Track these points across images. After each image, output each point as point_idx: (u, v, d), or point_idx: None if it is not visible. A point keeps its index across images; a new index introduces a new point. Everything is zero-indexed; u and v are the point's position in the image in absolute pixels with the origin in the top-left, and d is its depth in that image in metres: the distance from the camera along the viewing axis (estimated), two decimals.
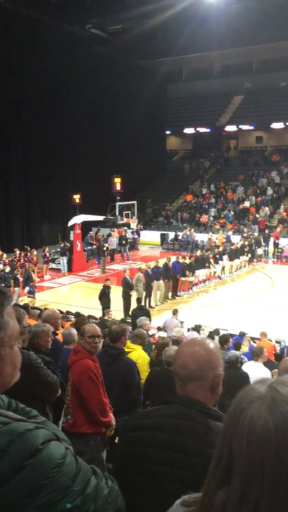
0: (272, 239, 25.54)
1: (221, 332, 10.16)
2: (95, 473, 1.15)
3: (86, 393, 4.03)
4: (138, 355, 5.46)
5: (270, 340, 10.82)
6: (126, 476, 1.58)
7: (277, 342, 11.05)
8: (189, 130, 38.02)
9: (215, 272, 20.51)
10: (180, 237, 28.19)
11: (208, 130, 36.90)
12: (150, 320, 10.67)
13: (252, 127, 35.71)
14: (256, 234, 25.25)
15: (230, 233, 26.28)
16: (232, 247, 21.68)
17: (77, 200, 23.74)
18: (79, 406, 4.07)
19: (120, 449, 1.72)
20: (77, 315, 11.18)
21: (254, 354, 7.25)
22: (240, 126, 36.02)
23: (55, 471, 1.03)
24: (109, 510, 1.12)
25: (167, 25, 27.17)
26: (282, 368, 3.02)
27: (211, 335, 10.36)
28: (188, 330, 11.62)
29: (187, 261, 18.82)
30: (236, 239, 23.94)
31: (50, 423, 1.28)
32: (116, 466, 1.72)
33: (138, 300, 14.19)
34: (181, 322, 12.03)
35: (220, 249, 21.83)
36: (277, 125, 34.14)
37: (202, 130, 37.29)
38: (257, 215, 28.92)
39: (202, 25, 28.21)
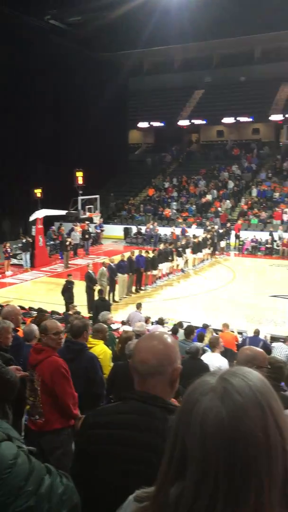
0: (233, 232, 25.98)
1: (185, 325, 10.24)
2: (49, 471, 1.12)
3: (61, 390, 4.02)
4: (100, 349, 5.44)
5: (232, 331, 11.00)
6: (85, 473, 1.56)
7: (239, 333, 11.25)
8: (150, 124, 38.05)
9: (178, 265, 20.67)
10: (143, 231, 28.26)
11: (169, 124, 37.00)
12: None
13: (214, 122, 36.01)
14: (216, 227, 25.61)
15: (183, 226, 26.70)
16: (195, 240, 21.89)
17: (39, 195, 23.39)
18: (51, 404, 4.04)
19: (79, 447, 1.70)
20: (40, 310, 11.04)
21: (211, 345, 7.37)
22: (200, 120, 36.28)
23: (6, 472, 1.01)
24: (64, 507, 1.10)
25: (128, 18, 27.01)
26: (239, 358, 3.06)
27: (175, 328, 10.44)
28: (152, 323, 11.67)
29: (150, 255, 18.87)
30: (199, 232, 24.18)
31: (2, 422, 1.24)
32: (75, 463, 1.69)
33: (100, 291, 14.20)
34: (148, 318, 12.05)
35: (183, 242, 22.01)
36: (238, 119, 34.58)
37: (163, 124, 37.38)
38: (219, 209, 29.30)
39: (163, 18, 28.20)
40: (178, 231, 26.14)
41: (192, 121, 36.49)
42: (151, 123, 37.80)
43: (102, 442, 1.57)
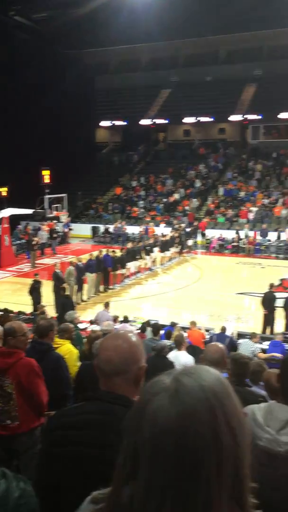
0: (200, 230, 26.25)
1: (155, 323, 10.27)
2: (4, 476, 1.10)
3: (36, 389, 4.02)
4: (66, 349, 5.40)
5: (200, 329, 11.10)
6: (50, 476, 1.54)
7: (206, 330, 11.36)
8: (117, 123, 37.99)
9: (146, 264, 20.72)
10: (111, 230, 28.21)
11: (137, 123, 37.02)
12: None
13: (181, 121, 36.24)
14: (183, 225, 25.81)
15: (146, 225, 26.92)
16: (163, 239, 21.99)
17: (4, 193, 23.00)
18: (26, 405, 4.01)
19: (43, 449, 1.67)
20: (4, 311, 10.86)
21: (176, 343, 7.42)
22: (167, 120, 36.45)
23: None
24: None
25: (95, 15, 26.87)
26: (204, 355, 3.11)
27: (143, 327, 10.46)
28: (120, 322, 11.66)
29: (118, 254, 18.84)
30: (166, 231, 24.30)
31: None
32: (39, 466, 1.67)
33: (63, 289, 14.17)
34: (116, 317, 12.03)
35: (151, 241, 22.06)
36: (204, 119, 34.94)
37: (129, 123, 37.36)
38: (186, 208, 29.53)
39: (130, 17, 28.17)
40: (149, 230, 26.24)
41: (159, 120, 36.63)
42: (118, 122, 37.76)
43: (66, 443, 1.55)
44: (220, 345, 3.28)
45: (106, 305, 12.74)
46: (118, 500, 0.83)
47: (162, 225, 26.95)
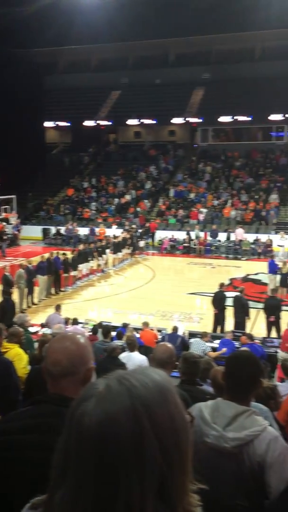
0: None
1: (105, 325, 10.25)
2: None
3: None
4: (14, 353, 5.30)
5: (152, 329, 11.18)
6: None
7: (158, 330, 11.45)
8: (67, 124, 37.63)
9: (98, 266, 20.64)
10: (62, 232, 27.90)
11: (87, 123, 36.83)
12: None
13: (131, 122, 36.36)
14: (135, 226, 25.90)
15: (92, 226, 27.07)
16: (115, 240, 21.98)
17: None
18: None
19: None
20: None
21: (128, 344, 7.44)
22: (118, 121, 36.47)
23: None
24: None
25: (44, 14, 26.53)
26: (153, 355, 3.13)
27: (94, 329, 10.41)
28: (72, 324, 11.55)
29: (69, 256, 18.66)
30: (118, 232, 24.30)
31: None
32: None
33: (6, 293, 13.97)
34: (68, 319, 11.90)
35: (103, 242, 22.00)
36: (154, 121, 35.22)
37: (81, 123, 37.11)
38: (138, 209, 29.67)
39: (79, 17, 28.04)
40: (97, 231, 26.15)
41: (109, 121, 36.58)
42: (68, 122, 37.37)
43: (16, 447, 1.53)
44: (169, 345, 3.31)
45: (58, 307, 12.58)
46: (51, 504, 0.83)
47: (114, 226, 26.93)
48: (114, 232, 24.84)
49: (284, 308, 13.85)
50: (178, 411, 0.85)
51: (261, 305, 13.47)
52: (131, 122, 35.81)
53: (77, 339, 1.66)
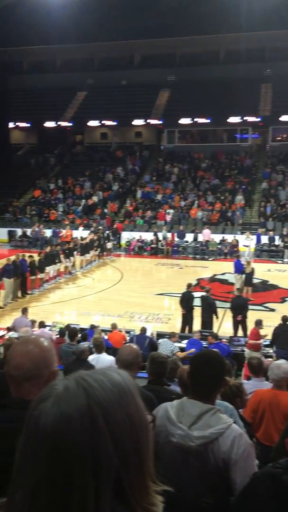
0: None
1: (72, 327, 10.16)
2: None
3: None
4: None
5: (120, 331, 11.16)
6: None
7: (127, 332, 11.44)
8: (33, 124, 37.19)
9: (66, 268, 20.47)
10: (29, 234, 27.54)
11: (52, 124, 36.51)
12: None
13: (97, 123, 36.25)
14: (101, 228, 25.80)
15: (54, 228, 27.05)
16: (82, 242, 21.84)
17: None
18: None
19: None
20: None
21: (95, 347, 7.42)
22: (84, 122, 36.26)
23: None
24: None
25: (7, 13, 26.14)
26: (118, 356, 3.13)
27: (62, 331, 10.31)
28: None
29: (36, 258, 18.43)
30: (85, 234, 24.17)
31: None
32: None
33: None
34: (34, 322, 11.74)
35: (70, 244, 21.82)
36: (121, 123, 35.22)
37: (46, 124, 36.77)
38: (105, 210, 29.59)
39: (44, 18, 27.77)
40: (64, 233, 25.94)
41: (75, 122, 36.33)
42: (34, 123, 36.94)
43: None
44: (134, 346, 3.31)
45: (24, 311, 12.40)
46: (12, 504, 0.82)
47: (81, 228, 26.77)
48: (81, 233, 24.69)
49: (249, 307, 14.09)
50: (137, 412, 0.85)
51: (228, 305, 13.65)
52: (97, 123, 35.71)
53: (40, 342, 1.65)
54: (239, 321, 12.64)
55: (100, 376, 0.85)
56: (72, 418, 0.78)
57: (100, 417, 0.79)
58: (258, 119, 32.67)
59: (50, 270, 19.10)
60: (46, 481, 0.76)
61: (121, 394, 0.83)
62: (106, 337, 10.21)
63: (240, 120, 32.71)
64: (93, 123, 36.13)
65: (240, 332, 12.60)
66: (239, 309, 12.66)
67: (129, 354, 3.16)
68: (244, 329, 12.48)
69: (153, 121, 34.79)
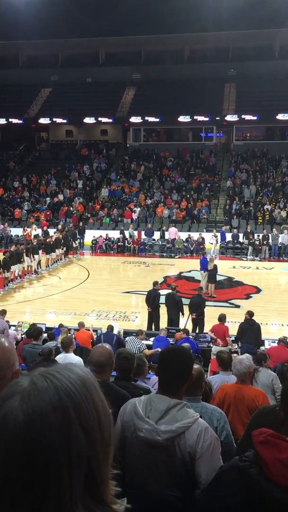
0: (86, 232, 26.22)
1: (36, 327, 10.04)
2: None
3: None
4: None
5: (88, 329, 11.11)
6: None
7: (94, 330, 11.40)
8: None
9: (31, 267, 20.20)
10: None
11: (16, 121, 35.88)
12: None
13: (63, 121, 35.85)
14: (64, 227, 25.51)
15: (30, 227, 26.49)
16: (48, 241, 21.60)
17: None
18: None
19: None
20: None
21: (63, 346, 7.36)
22: (48, 119, 35.76)
23: None
24: None
25: None
26: (90, 358, 3.09)
27: (29, 331, 10.16)
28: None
29: (1, 257, 18.11)
30: (51, 232, 23.92)
31: None
32: None
33: None
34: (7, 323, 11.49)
35: (35, 243, 21.54)
36: (87, 120, 34.96)
37: (10, 121, 36.08)
38: (71, 208, 29.35)
39: (7, 12, 27.27)
40: (28, 231, 25.58)
41: (39, 119, 35.79)
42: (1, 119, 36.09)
43: None
44: (107, 346, 3.28)
45: (2, 312, 11.85)
46: None
47: (34, 226, 26.47)
48: (34, 232, 24.45)
49: (212, 303, 14.26)
50: (101, 403, 0.86)
51: None
52: (62, 120, 35.35)
53: (1, 342, 1.63)
54: (196, 319, 12.74)
55: (65, 371, 0.86)
56: (45, 412, 0.78)
57: (71, 410, 0.80)
58: (222, 118, 33.03)
59: (15, 269, 18.82)
60: (20, 479, 0.76)
61: (86, 387, 0.85)
62: (73, 336, 10.14)
63: (205, 119, 33.02)
64: (58, 120, 35.69)
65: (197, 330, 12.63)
66: (195, 307, 12.76)
67: (101, 355, 3.12)
68: (201, 327, 12.54)
69: (118, 119, 34.68)
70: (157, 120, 33.60)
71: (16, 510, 0.76)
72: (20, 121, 35.84)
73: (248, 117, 32.31)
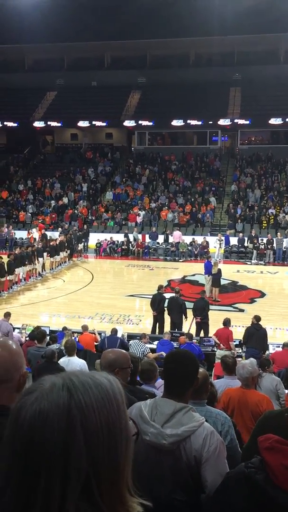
0: (90, 235, 26.26)
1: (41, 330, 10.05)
2: None
3: None
4: None
5: (92, 333, 11.12)
6: None
7: (98, 333, 11.40)
8: (1, 124, 36.54)
9: (35, 269, 20.24)
10: None
11: (22, 124, 35.98)
12: None
13: (67, 124, 35.95)
14: (67, 229, 25.56)
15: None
16: (52, 243, 21.65)
17: None
18: None
19: None
20: None
21: (66, 350, 7.34)
22: (54, 122, 35.88)
23: None
24: None
25: None
26: (102, 362, 3.05)
27: (33, 334, 10.18)
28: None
29: (5, 259, 18.14)
30: (56, 235, 23.99)
31: None
32: None
33: None
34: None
35: (40, 245, 21.59)
36: (91, 124, 35.05)
37: (15, 124, 36.21)
38: (76, 211, 29.41)
39: (14, 16, 27.43)
40: (36, 234, 25.67)
41: (45, 122, 35.91)
42: (3, 123, 36.25)
43: None
44: (122, 350, 3.21)
45: (7, 315, 11.84)
46: None
47: (34, 229, 26.58)
48: (51, 234, 24.50)
49: (216, 307, 14.22)
50: (118, 421, 0.84)
51: None
52: (74, 124, 35.40)
53: (9, 345, 1.64)
54: (200, 323, 12.72)
55: (88, 379, 0.84)
56: (49, 416, 0.78)
57: (78, 420, 0.79)
58: (228, 122, 33.02)
59: (20, 272, 18.86)
60: (17, 472, 0.77)
61: (105, 401, 0.83)
62: (77, 339, 10.15)
63: (210, 123, 33.04)
64: (63, 123, 35.78)
65: (201, 334, 12.61)
66: (199, 311, 12.75)
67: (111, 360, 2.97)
68: (205, 331, 12.52)
69: (124, 123, 34.73)
70: (163, 123, 33.60)
71: (13, 502, 0.77)
72: (25, 124, 35.93)
73: (249, 121, 32.26)
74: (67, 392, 0.81)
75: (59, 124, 35.89)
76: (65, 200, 30.71)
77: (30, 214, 29.64)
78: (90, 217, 29.26)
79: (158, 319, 13.21)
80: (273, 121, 31.94)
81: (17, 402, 0.82)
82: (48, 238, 23.70)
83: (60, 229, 25.70)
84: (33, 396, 0.81)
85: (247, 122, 32.50)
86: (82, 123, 35.18)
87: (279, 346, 10.24)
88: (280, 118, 31.69)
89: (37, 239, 23.88)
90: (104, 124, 35.02)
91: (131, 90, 37.06)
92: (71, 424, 0.78)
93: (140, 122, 34.07)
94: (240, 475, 1.43)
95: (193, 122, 33.03)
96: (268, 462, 1.34)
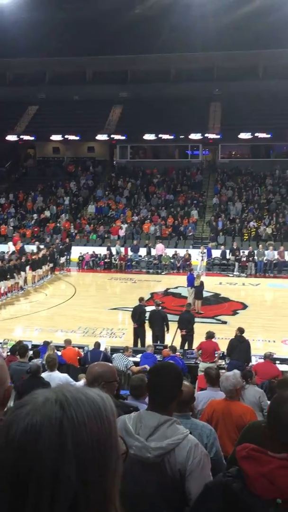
0: (72, 248, 26.16)
1: (23, 345, 9.94)
2: None
3: None
4: None
5: (75, 347, 11.03)
6: None
7: (80, 347, 11.32)
8: None
9: (17, 283, 20.04)
10: None
11: (0, 138, 35.85)
12: None
13: (50, 138, 35.97)
14: (47, 241, 25.45)
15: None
16: (34, 257, 21.50)
17: None
18: None
19: None
20: None
21: (47, 365, 7.27)
22: (35, 136, 35.88)
23: None
24: None
25: None
26: (87, 376, 3.02)
27: (13, 348, 10.06)
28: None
29: None
30: (38, 249, 23.80)
31: None
32: None
33: None
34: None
35: (22, 259, 21.42)
36: (72, 138, 35.16)
37: None
38: (58, 225, 29.31)
39: None
40: (12, 247, 25.52)
41: (26, 136, 35.88)
42: None
43: None
44: (109, 364, 3.21)
45: None
46: None
47: (10, 243, 26.44)
48: (33, 248, 24.34)
49: (199, 320, 14.24)
50: (109, 439, 0.83)
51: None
52: (54, 137, 35.46)
53: None
54: (185, 335, 12.73)
55: (81, 396, 0.84)
56: (41, 431, 0.77)
57: (69, 436, 0.78)
58: (210, 137, 33.42)
59: (1, 285, 18.67)
60: (5, 486, 0.77)
61: (97, 419, 0.82)
62: (59, 353, 10.05)
63: (191, 137, 33.44)
64: (44, 137, 35.80)
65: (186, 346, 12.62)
66: (185, 323, 12.77)
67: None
68: (190, 343, 12.53)
69: (104, 137, 34.88)
70: (142, 137, 33.87)
71: None
72: (7, 138, 35.83)
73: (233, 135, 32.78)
74: (60, 407, 0.80)
75: (41, 138, 35.87)
76: (47, 213, 30.61)
77: (12, 228, 29.43)
78: (72, 231, 29.18)
79: (138, 331, 13.16)
80: (251, 135, 32.49)
81: (9, 415, 0.82)
82: (26, 252, 23.53)
83: (37, 243, 25.58)
84: (25, 410, 0.80)
85: (218, 136, 32.99)
86: (64, 137, 35.24)
87: (261, 358, 10.29)
88: (260, 133, 32.25)
89: (15, 253, 23.70)
90: (84, 138, 35.11)
91: (112, 104, 37.33)
92: (63, 440, 0.78)
93: (112, 136, 34.34)
94: (218, 485, 1.43)
95: (164, 136, 33.39)
96: (245, 471, 1.35)
